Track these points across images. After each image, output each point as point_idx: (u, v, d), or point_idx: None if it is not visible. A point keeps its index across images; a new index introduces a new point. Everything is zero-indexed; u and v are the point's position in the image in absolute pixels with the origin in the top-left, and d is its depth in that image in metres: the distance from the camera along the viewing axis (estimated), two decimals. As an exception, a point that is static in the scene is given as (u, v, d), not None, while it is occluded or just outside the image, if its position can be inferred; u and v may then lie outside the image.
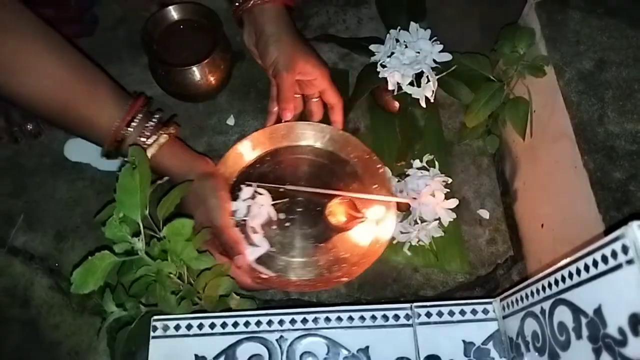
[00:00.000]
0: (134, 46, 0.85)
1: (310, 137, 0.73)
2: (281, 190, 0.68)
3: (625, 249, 0.32)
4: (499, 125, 0.72)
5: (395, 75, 0.68)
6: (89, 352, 0.64)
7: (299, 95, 0.74)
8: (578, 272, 0.37)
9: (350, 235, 0.65)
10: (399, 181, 0.69)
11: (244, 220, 0.65)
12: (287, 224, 0.67)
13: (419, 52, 0.70)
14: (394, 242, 0.67)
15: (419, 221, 0.65)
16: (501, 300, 0.52)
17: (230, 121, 0.80)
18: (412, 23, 0.70)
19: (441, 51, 0.70)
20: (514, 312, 0.49)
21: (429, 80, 0.68)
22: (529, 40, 0.63)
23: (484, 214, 0.71)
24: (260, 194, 0.67)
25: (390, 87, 0.70)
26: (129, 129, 0.60)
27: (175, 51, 0.76)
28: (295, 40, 0.69)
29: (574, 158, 0.55)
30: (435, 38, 0.70)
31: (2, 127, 0.78)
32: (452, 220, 0.65)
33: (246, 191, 0.67)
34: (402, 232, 0.66)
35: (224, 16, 0.77)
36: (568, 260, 0.38)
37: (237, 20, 0.73)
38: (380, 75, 0.70)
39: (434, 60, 0.69)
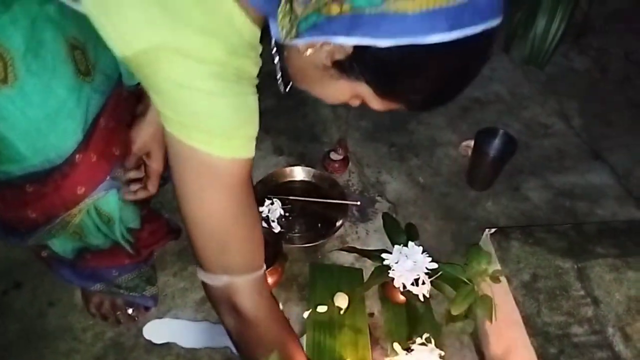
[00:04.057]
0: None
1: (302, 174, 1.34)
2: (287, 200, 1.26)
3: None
4: (473, 312, 1.03)
5: (401, 278, 1.00)
6: None
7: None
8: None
9: None
10: (407, 354, 0.97)
11: (267, 215, 1.21)
12: (290, 218, 1.23)
13: (415, 262, 1.03)
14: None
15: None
16: None
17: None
18: (409, 242, 1.04)
19: (430, 261, 1.03)
20: None
21: (424, 282, 1.00)
22: (488, 259, 0.97)
23: (469, 379, 0.99)
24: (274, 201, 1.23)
25: (396, 286, 1.02)
26: None
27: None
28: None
29: (524, 338, 0.85)
30: (425, 252, 1.04)
31: (109, 310, 1.04)
32: (447, 383, 0.93)
33: (267, 202, 1.23)
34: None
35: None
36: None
37: None
38: (390, 276, 1.02)
39: (427, 268, 1.02)
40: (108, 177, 0.77)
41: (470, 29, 0.52)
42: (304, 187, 1.33)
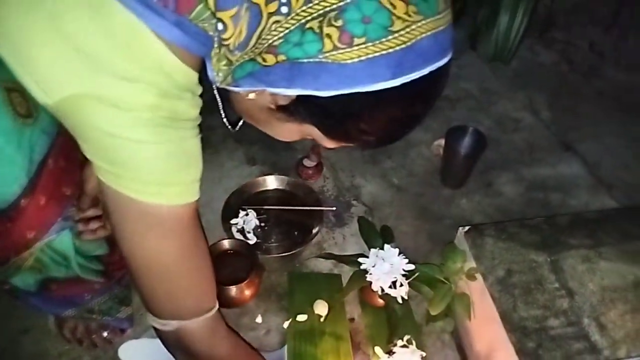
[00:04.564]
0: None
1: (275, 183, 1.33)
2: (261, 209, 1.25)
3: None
4: (452, 311, 1.03)
5: (379, 282, 1.00)
6: None
7: None
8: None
9: None
10: (388, 357, 0.97)
11: (242, 226, 1.20)
12: (266, 227, 1.23)
13: (392, 264, 1.02)
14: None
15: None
16: None
17: (259, 319, 1.07)
18: (385, 245, 1.04)
19: (407, 263, 1.03)
20: None
21: (402, 285, 1.00)
22: (463, 258, 0.97)
23: (452, 378, 0.99)
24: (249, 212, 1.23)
25: (375, 289, 1.01)
26: None
27: (222, 270, 1.07)
28: None
29: (502, 334, 0.86)
30: (402, 253, 1.04)
31: (83, 334, 1.02)
32: (430, 384, 0.93)
33: (241, 213, 1.22)
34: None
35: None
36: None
37: None
38: (368, 280, 1.02)
39: (403, 269, 1.02)
40: (59, 219, 0.74)
41: (415, 73, 0.51)
42: (279, 196, 1.32)
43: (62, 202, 0.74)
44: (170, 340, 0.72)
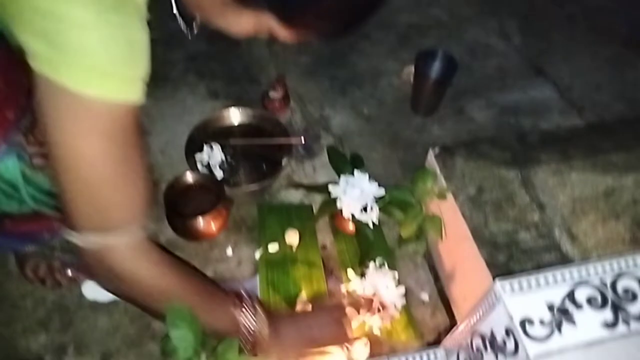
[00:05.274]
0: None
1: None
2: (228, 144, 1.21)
3: (496, 294, 0.61)
4: (424, 232, 1.03)
5: (349, 207, 0.98)
6: None
7: None
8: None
9: None
10: (361, 279, 0.96)
11: (208, 162, 1.17)
12: (233, 162, 1.19)
13: (362, 190, 1.00)
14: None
15: (380, 308, 0.92)
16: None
17: (229, 252, 1.05)
18: (355, 170, 1.02)
19: (378, 187, 1.01)
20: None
21: (372, 209, 0.98)
22: (434, 178, 0.95)
23: (425, 296, 0.99)
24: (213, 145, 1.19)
25: (346, 216, 0.99)
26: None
27: (188, 204, 1.03)
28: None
29: (474, 250, 0.85)
30: (371, 178, 1.02)
31: (46, 273, 0.98)
32: (403, 304, 0.92)
33: (206, 148, 1.18)
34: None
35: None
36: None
37: None
38: (338, 207, 1.00)
39: (374, 195, 1.00)
40: (3, 144, 0.69)
41: None
42: (245, 130, 1.27)
43: (4, 125, 0.69)
44: (93, 261, 0.66)
